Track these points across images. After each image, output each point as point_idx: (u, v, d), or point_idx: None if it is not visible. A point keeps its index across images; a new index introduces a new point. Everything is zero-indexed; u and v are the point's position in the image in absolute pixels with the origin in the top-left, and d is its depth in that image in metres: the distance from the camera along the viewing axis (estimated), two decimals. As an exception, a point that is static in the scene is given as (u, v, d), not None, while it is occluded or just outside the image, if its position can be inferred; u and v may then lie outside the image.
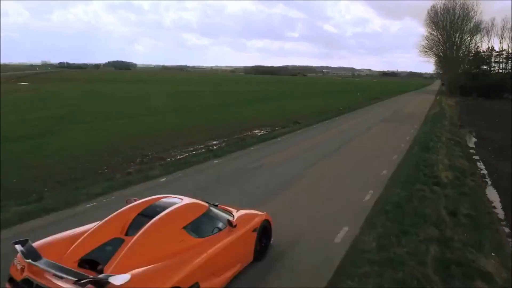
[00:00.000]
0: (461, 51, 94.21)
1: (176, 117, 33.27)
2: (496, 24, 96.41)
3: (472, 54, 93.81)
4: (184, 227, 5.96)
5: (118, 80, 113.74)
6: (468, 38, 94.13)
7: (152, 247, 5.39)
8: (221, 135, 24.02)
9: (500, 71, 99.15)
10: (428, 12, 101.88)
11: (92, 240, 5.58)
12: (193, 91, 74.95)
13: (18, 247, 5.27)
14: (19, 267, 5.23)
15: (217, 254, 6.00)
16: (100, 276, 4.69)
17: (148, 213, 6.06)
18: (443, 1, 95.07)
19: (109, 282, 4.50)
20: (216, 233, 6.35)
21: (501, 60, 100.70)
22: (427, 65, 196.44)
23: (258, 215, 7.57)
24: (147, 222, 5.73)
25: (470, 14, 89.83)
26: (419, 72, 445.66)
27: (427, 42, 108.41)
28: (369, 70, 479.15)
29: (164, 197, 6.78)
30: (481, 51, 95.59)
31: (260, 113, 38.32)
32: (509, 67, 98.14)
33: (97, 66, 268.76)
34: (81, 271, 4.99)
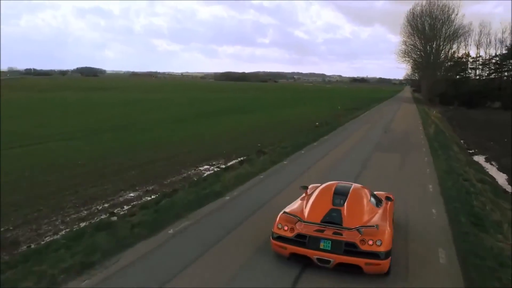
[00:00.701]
0: (440, 56, 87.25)
1: (99, 143, 23.75)
2: (473, 29, 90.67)
3: (452, 60, 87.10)
4: (377, 202, 8.83)
5: (79, 87, 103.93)
6: (448, 44, 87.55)
7: (359, 213, 7.93)
8: (146, 179, 15.25)
9: (477, 77, 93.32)
10: (406, 16, 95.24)
11: (318, 209, 7.91)
12: (152, 100, 65.38)
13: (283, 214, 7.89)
14: (286, 227, 7.58)
15: (387, 215, 8.41)
16: (368, 224, 7.47)
17: (338, 192, 8.38)
18: (423, 1, 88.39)
19: (375, 226, 7.32)
20: (381, 206, 8.77)
21: (477, 66, 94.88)
22: (396, 72, 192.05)
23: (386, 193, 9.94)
24: (343, 198, 8.15)
25: (451, 17, 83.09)
26: (388, 78, 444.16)
27: (405, 47, 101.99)
28: (340, 76, 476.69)
29: (338, 183, 9.11)
30: (459, 57, 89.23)
31: (220, 133, 29.24)
32: (486, 74, 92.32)
33: (63, 73, 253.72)
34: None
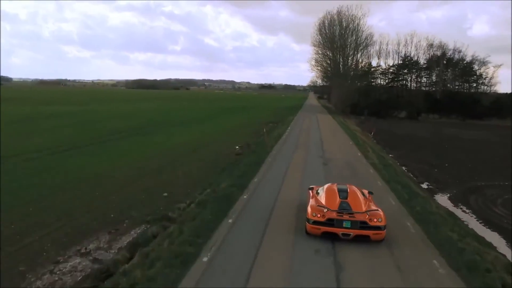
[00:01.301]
0: (350, 66, 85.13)
1: None
2: (375, 40, 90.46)
3: (362, 70, 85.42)
4: (364, 195, 12.43)
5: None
6: (356, 53, 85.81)
7: (359, 202, 11.54)
8: None
9: (381, 86, 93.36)
10: (317, 25, 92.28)
11: (332, 201, 11.53)
12: (50, 114, 52.92)
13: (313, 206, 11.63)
14: (319, 215, 11.06)
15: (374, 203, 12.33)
16: (370, 209, 11.45)
17: (340, 190, 12.07)
18: (334, 10, 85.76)
19: (378, 210, 11.49)
20: (367, 197, 12.51)
21: (377, 76, 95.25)
22: (299, 78, 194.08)
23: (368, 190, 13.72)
24: (345, 194, 11.81)
25: (360, 26, 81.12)
26: (293, 84, 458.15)
27: (317, 56, 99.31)
28: (248, 83, 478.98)
29: (337, 184, 12.99)
30: (366, 66, 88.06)
31: (108, 172, 20.25)
32: (385, 83, 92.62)
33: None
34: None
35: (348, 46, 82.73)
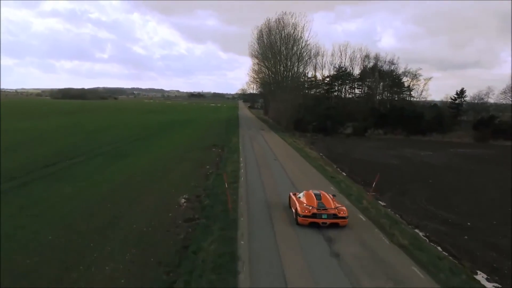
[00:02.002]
0: (292, 77, 77.85)
1: None
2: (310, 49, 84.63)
3: (307, 81, 78.48)
4: (334, 196, 19.15)
5: None
6: (300, 64, 78.66)
7: (330, 202, 17.34)
8: None
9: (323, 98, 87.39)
10: (256, 34, 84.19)
11: (312, 202, 17.13)
12: None
13: (302, 205, 17.40)
14: (307, 211, 16.69)
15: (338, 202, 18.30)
16: (339, 205, 17.52)
17: (315, 194, 17.79)
18: (273, 18, 77.89)
19: (342, 206, 17.74)
20: (333, 198, 18.41)
21: (313, 86, 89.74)
22: (227, 86, 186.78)
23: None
24: (320, 197, 17.59)
25: (301, 35, 74.06)
26: (222, 92, 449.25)
27: (255, 67, 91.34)
28: (178, 91, 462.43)
29: (312, 190, 18.53)
30: (310, 77, 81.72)
31: None
32: (318, 92, 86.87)
33: None
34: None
35: (288, 56, 75.34)
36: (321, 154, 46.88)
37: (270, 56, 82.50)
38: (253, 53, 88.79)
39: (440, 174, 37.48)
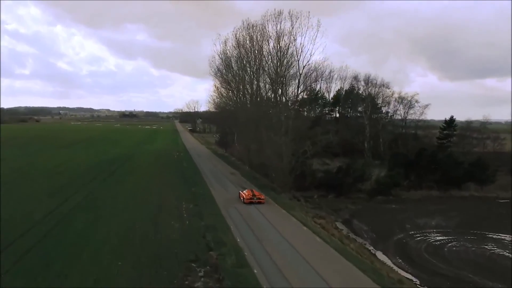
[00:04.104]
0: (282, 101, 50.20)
1: None
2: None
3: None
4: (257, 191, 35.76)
5: None
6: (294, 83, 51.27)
7: (258, 194, 34.22)
8: None
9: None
10: (215, 45, 56.37)
11: (250, 195, 33.34)
12: None
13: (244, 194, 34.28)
14: (248, 197, 33.01)
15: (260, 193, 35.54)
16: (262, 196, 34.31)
17: (251, 190, 34.80)
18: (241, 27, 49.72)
19: (262, 195, 34.57)
20: (258, 192, 35.94)
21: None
22: (161, 105, 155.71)
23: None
24: (252, 191, 34.41)
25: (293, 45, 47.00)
26: (155, 111, 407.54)
27: (217, 89, 63.30)
28: (108, 110, 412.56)
29: (249, 189, 36.28)
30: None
31: None
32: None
33: None
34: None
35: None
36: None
37: (239, 74, 55.02)
38: (215, 71, 60.46)
39: None
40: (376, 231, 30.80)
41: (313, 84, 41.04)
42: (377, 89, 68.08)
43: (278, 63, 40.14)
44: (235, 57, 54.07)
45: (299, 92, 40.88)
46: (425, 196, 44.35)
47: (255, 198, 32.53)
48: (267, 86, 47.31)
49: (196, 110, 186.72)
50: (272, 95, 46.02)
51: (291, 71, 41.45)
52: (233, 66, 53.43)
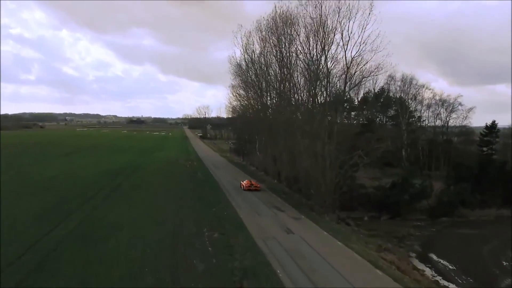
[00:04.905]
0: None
1: None
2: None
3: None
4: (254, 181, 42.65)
5: None
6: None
7: (255, 183, 41.20)
8: None
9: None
10: (235, 44, 49.25)
11: (248, 182, 40.62)
12: None
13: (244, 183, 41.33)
14: (247, 185, 39.84)
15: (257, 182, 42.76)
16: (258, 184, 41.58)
17: (250, 180, 41.89)
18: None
19: (258, 184, 41.70)
20: (256, 182, 42.98)
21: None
22: (168, 111, 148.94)
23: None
24: (251, 181, 41.35)
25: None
26: (163, 117, 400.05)
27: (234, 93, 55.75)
28: (115, 116, 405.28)
29: (247, 180, 42.79)
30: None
31: None
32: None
33: None
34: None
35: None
36: None
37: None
38: (233, 69, 52.86)
39: None
40: (469, 273, 22.65)
41: (365, 79, 32.61)
42: (416, 90, 60.03)
43: (322, 52, 32.31)
44: (261, 48, 46.40)
45: (345, 89, 32.80)
46: (496, 217, 36.03)
47: (252, 187, 39.82)
48: (301, 83, 39.32)
49: (206, 115, 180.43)
50: (312, 92, 37.48)
51: (338, 66, 33.49)
52: (262, 60, 45.72)
